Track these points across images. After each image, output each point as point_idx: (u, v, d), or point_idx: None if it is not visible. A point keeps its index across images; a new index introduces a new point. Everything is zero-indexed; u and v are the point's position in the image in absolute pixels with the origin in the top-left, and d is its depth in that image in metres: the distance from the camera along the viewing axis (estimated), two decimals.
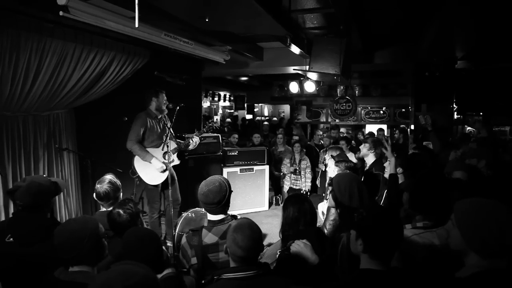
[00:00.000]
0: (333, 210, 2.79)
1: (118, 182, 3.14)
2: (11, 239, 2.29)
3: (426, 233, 2.12)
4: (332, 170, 3.84)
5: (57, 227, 1.86)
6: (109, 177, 3.10)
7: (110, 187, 3.01)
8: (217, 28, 4.88)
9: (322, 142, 7.49)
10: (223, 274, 1.77)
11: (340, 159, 3.94)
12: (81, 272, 1.77)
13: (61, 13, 3.26)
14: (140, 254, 1.93)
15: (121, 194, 3.19)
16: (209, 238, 2.34)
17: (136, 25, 2.75)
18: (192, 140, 4.75)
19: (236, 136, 7.77)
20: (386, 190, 3.47)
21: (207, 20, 4.13)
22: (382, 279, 1.53)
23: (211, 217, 2.42)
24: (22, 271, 2.19)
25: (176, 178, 4.80)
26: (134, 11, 2.74)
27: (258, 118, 16.43)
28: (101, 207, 3.10)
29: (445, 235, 2.09)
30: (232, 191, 2.49)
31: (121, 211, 2.52)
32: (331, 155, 4.31)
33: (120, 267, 1.25)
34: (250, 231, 1.81)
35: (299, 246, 2.07)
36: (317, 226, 3.01)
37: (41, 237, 2.24)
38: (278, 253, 2.29)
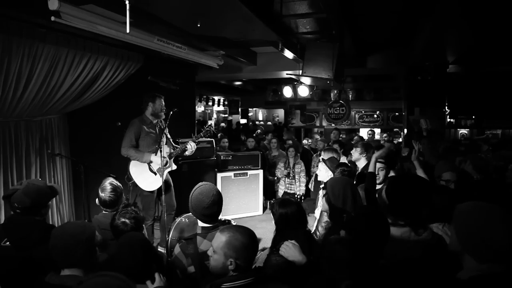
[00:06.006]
0: (325, 214, 2.80)
1: (120, 186, 3.11)
2: (8, 243, 2.26)
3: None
4: (323, 173, 3.83)
5: (54, 229, 1.86)
6: (110, 183, 3.03)
7: (115, 194, 2.98)
8: (209, 33, 4.90)
9: (317, 145, 7.50)
10: (222, 284, 1.74)
11: (337, 163, 3.91)
12: (71, 276, 1.76)
13: (52, 18, 3.24)
14: (127, 261, 1.93)
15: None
16: (204, 245, 2.29)
17: (127, 31, 2.75)
18: (188, 145, 4.70)
19: (226, 140, 7.79)
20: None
21: (198, 25, 4.15)
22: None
23: (205, 224, 2.41)
24: (21, 274, 2.16)
25: (171, 184, 4.77)
26: (126, 17, 2.74)
27: (257, 122, 16.47)
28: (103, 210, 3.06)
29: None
30: None
31: (127, 221, 2.43)
32: (322, 159, 4.28)
33: (95, 279, 1.23)
34: (244, 229, 1.85)
35: (288, 246, 2.08)
36: (309, 230, 3.00)
37: (39, 240, 2.21)
38: (267, 254, 2.29)
